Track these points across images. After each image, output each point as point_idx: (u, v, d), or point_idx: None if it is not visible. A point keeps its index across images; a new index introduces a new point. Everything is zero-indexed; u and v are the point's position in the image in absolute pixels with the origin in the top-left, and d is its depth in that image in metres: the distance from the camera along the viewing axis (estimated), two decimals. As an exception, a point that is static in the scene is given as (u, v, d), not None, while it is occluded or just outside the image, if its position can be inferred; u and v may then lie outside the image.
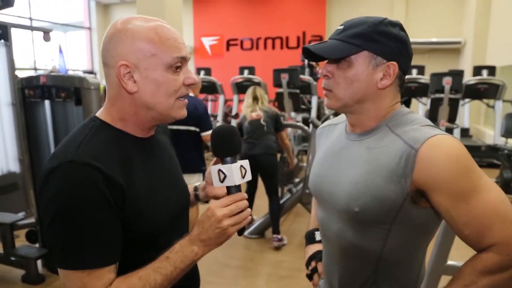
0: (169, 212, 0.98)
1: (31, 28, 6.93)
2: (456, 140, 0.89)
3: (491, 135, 7.39)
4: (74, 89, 2.92)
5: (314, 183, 1.14)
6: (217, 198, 1.09)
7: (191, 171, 3.30)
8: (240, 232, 0.94)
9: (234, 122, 8.19)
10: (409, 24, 10.23)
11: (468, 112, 8.43)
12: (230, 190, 0.93)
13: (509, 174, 5.45)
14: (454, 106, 5.93)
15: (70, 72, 6.91)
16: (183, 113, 0.95)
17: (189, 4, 11.65)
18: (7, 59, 3.98)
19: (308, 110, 7.26)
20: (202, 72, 8.54)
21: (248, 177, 0.95)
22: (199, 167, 3.39)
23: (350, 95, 0.98)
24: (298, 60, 8.83)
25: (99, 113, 0.95)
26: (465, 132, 7.96)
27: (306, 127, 4.84)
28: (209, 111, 8.70)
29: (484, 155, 6.78)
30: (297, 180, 5.11)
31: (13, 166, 4.09)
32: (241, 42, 11.79)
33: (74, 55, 12.36)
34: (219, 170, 0.93)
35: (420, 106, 7.99)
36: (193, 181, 3.36)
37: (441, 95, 5.92)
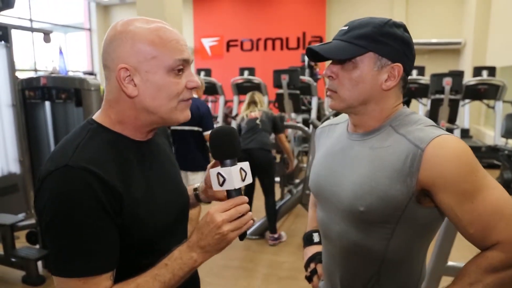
0: (167, 217, 0.96)
1: (32, 30, 6.93)
2: (461, 141, 0.90)
3: (491, 135, 7.39)
4: (74, 90, 2.92)
5: (315, 183, 1.14)
6: (219, 200, 1.09)
7: (194, 169, 3.46)
8: (242, 236, 0.91)
9: (234, 123, 8.20)
10: (409, 25, 10.21)
11: (468, 112, 8.42)
12: (230, 193, 0.91)
13: (509, 174, 5.45)
14: (454, 107, 5.93)
15: (71, 73, 6.92)
16: (187, 114, 0.93)
17: (189, 5, 11.66)
18: (8, 60, 3.98)
19: (308, 111, 7.26)
20: (202, 73, 8.56)
21: (249, 180, 0.92)
22: (203, 166, 3.47)
23: (355, 96, 0.98)
24: (298, 61, 8.83)
25: (96, 116, 0.93)
26: (465, 133, 7.96)
27: (306, 128, 4.85)
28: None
29: (484, 156, 6.77)
30: (297, 181, 5.11)
31: (14, 167, 4.09)
32: (241, 43, 11.80)
33: (74, 56, 12.38)
34: (218, 173, 0.90)
35: (420, 107, 7.99)
36: (197, 179, 3.46)
37: (441, 96, 5.93)
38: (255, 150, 3.83)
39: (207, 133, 3.43)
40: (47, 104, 3.06)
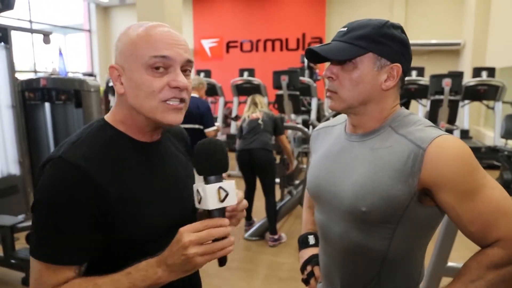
0: (162, 221, 0.91)
1: (31, 31, 6.93)
2: (461, 141, 0.92)
3: (491, 136, 7.39)
4: (74, 92, 2.93)
5: (314, 184, 1.14)
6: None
7: None
8: (221, 262, 0.84)
9: (234, 124, 8.20)
10: (409, 25, 10.24)
11: (468, 113, 8.43)
12: (211, 213, 0.82)
13: (509, 175, 5.45)
14: (454, 108, 5.94)
15: (70, 75, 6.92)
16: (172, 118, 0.89)
17: (189, 6, 11.67)
18: (7, 61, 3.97)
19: (308, 112, 7.26)
20: (202, 74, 8.56)
21: (231, 201, 0.83)
22: None
23: (355, 96, 0.99)
24: (298, 62, 8.84)
25: (107, 115, 0.96)
26: (465, 134, 7.96)
27: (306, 129, 4.85)
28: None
29: (484, 157, 6.78)
30: (297, 182, 5.11)
31: (13, 168, 4.09)
32: (241, 44, 11.81)
33: (74, 57, 12.39)
34: (197, 189, 0.83)
35: (420, 108, 7.99)
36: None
37: (441, 97, 5.93)
38: (256, 150, 3.84)
39: (208, 130, 3.59)
40: (47, 105, 3.06)
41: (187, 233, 0.79)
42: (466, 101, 7.59)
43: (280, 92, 6.23)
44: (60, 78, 3.12)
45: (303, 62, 8.03)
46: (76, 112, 2.98)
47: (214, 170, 0.84)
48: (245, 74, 7.96)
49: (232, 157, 5.09)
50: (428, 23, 10.20)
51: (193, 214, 1.01)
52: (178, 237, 0.79)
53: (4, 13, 3.93)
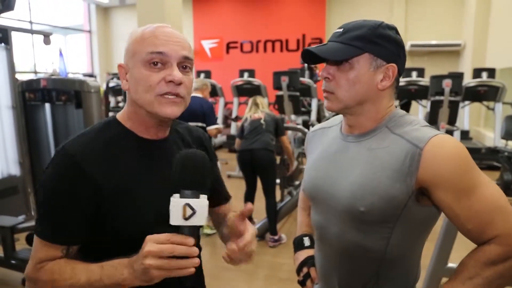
0: (155, 218, 0.89)
1: (31, 32, 6.94)
2: (457, 140, 0.94)
3: (491, 137, 7.39)
4: (74, 92, 2.92)
5: (311, 185, 1.14)
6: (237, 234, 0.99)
7: None
8: (186, 281, 0.81)
9: (234, 125, 8.20)
10: (409, 26, 10.25)
11: (468, 114, 8.43)
12: (181, 229, 0.79)
13: (509, 176, 5.45)
14: (454, 109, 5.93)
15: (70, 75, 6.92)
16: (169, 111, 0.92)
17: (189, 7, 11.68)
18: (8, 62, 3.98)
19: (308, 112, 7.26)
20: (202, 75, 8.56)
21: (197, 221, 0.78)
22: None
23: (351, 96, 1.00)
24: (298, 63, 8.83)
25: (119, 112, 1.02)
26: (465, 135, 7.96)
27: (306, 130, 4.85)
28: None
29: (484, 157, 6.78)
30: (297, 182, 5.11)
31: (13, 169, 4.09)
32: (241, 44, 11.81)
33: (74, 58, 12.39)
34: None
35: (420, 109, 7.99)
36: None
37: (441, 98, 5.93)
38: (257, 150, 3.86)
39: (210, 128, 3.76)
40: (47, 106, 3.06)
41: (151, 242, 0.78)
42: (466, 102, 7.59)
43: (280, 93, 6.23)
44: (60, 78, 3.12)
45: (303, 63, 8.02)
46: (76, 113, 2.97)
47: (189, 184, 0.80)
48: (245, 75, 7.96)
49: (232, 158, 5.10)
50: (428, 24, 10.20)
51: None
52: (144, 243, 0.79)
53: (4, 14, 3.93)
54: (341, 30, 1.01)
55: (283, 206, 4.39)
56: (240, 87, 7.77)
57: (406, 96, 7.43)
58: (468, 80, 7.22)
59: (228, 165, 7.01)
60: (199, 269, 1.10)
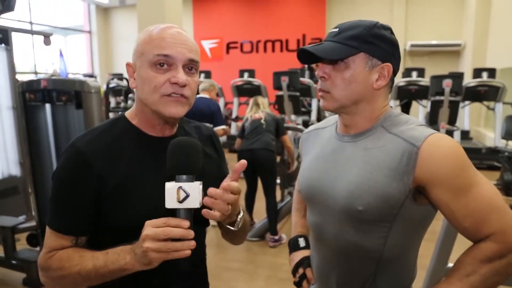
0: (155, 213, 0.89)
1: (32, 32, 6.95)
2: (453, 139, 0.94)
3: (491, 137, 7.39)
4: (74, 93, 2.92)
5: (307, 186, 1.14)
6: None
7: None
8: (181, 264, 0.85)
9: (234, 125, 8.20)
10: (409, 26, 10.25)
11: (468, 114, 8.43)
12: (177, 212, 0.82)
13: (509, 176, 5.45)
14: (454, 109, 5.93)
15: (71, 76, 6.93)
16: (174, 110, 0.95)
17: (189, 7, 11.68)
18: (8, 63, 3.98)
19: (308, 112, 7.27)
20: (202, 75, 8.56)
21: (192, 204, 0.81)
22: None
23: (347, 95, 1.00)
24: (298, 63, 8.83)
25: (128, 110, 1.06)
26: (465, 135, 7.96)
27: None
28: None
29: (485, 158, 6.78)
30: (297, 182, 5.11)
31: (14, 169, 4.09)
32: (241, 45, 11.81)
33: (74, 58, 12.39)
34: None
35: (420, 109, 7.99)
36: None
37: (441, 98, 5.93)
38: (258, 150, 3.87)
39: (217, 128, 3.84)
40: (48, 106, 3.06)
41: (148, 227, 0.82)
42: (467, 102, 7.59)
43: (280, 93, 6.23)
44: (60, 79, 3.12)
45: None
46: (76, 113, 2.97)
47: (182, 169, 0.83)
48: (245, 75, 7.96)
49: (232, 158, 5.10)
50: (428, 24, 10.20)
51: None
52: (143, 228, 0.83)
53: (4, 15, 3.93)
54: (336, 30, 1.02)
55: (284, 206, 4.39)
56: (240, 87, 7.78)
57: (407, 96, 7.43)
58: (469, 80, 7.23)
59: (228, 165, 6.95)
60: (202, 265, 1.14)
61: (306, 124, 6.68)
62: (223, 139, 8.22)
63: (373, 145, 1.00)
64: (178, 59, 0.94)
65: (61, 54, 3.96)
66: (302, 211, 1.35)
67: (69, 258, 0.92)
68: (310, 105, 7.35)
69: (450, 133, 6.64)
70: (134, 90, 1.01)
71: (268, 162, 3.92)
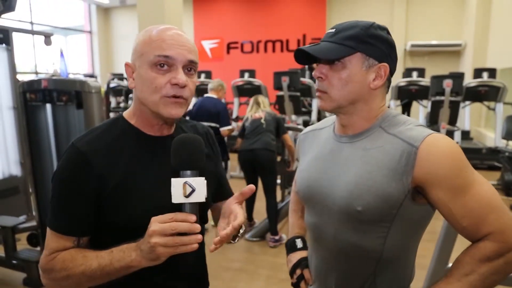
0: (160, 208, 0.91)
1: (32, 32, 6.96)
2: (451, 139, 0.95)
3: (492, 137, 7.38)
4: (75, 93, 2.93)
5: (305, 187, 1.14)
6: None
7: None
8: (189, 258, 0.87)
9: (235, 125, 8.20)
10: (409, 26, 10.24)
11: (469, 114, 8.41)
12: (183, 207, 0.84)
13: (510, 176, 5.45)
14: (454, 109, 5.93)
15: (71, 76, 6.93)
16: (173, 112, 0.96)
17: (189, 7, 11.69)
18: (9, 63, 3.99)
19: (309, 112, 7.26)
20: (203, 75, 8.55)
21: (198, 198, 0.83)
22: (221, 156, 3.95)
23: (344, 95, 1.01)
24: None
25: (126, 110, 1.07)
26: (465, 135, 7.96)
27: (306, 130, 4.86)
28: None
29: (485, 158, 6.77)
30: (298, 183, 5.11)
31: (15, 169, 4.10)
32: (242, 45, 11.81)
33: (75, 58, 12.40)
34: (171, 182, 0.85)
35: (421, 109, 7.99)
36: None
37: (442, 98, 5.92)
38: (258, 150, 3.88)
39: (223, 129, 3.97)
40: (48, 106, 3.06)
41: (155, 222, 0.83)
42: (467, 102, 7.58)
43: (280, 93, 6.23)
44: (61, 79, 3.12)
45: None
46: (77, 113, 2.97)
47: (185, 164, 0.86)
48: (246, 75, 7.96)
49: (233, 158, 5.09)
50: (428, 24, 10.20)
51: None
52: (149, 225, 0.84)
53: (5, 15, 3.94)
54: (333, 30, 1.02)
55: (284, 206, 4.39)
56: (240, 87, 7.77)
57: (407, 96, 7.42)
58: (469, 80, 7.22)
59: (229, 165, 6.99)
60: (202, 263, 1.16)
61: (306, 124, 6.68)
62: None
63: (371, 145, 1.01)
64: (178, 60, 0.95)
65: (61, 54, 3.96)
66: (300, 212, 1.35)
67: (73, 259, 0.93)
68: (310, 105, 7.34)
69: (450, 133, 6.64)
70: (133, 90, 1.01)
71: (268, 162, 3.92)
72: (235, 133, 4.71)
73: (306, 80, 7.03)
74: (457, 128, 6.51)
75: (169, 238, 0.81)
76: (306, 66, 7.65)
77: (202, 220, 1.09)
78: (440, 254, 1.77)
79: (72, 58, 12.12)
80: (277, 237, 3.96)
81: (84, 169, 0.93)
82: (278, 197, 4.41)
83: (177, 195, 0.83)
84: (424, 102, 7.60)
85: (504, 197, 5.41)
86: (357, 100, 1.02)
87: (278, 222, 4.15)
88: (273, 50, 11.57)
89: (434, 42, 9.99)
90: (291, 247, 1.30)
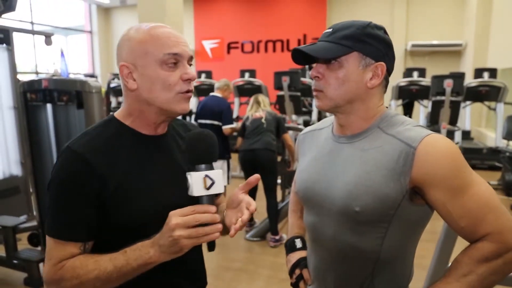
0: (161, 207, 0.95)
1: (33, 32, 6.96)
2: (449, 139, 0.95)
3: (492, 137, 7.37)
4: (76, 93, 2.93)
5: (304, 188, 1.15)
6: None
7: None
8: (210, 247, 0.90)
9: (234, 124, 8.19)
10: (410, 26, 10.23)
11: (470, 114, 8.40)
12: (200, 199, 0.88)
13: (510, 176, 5.44)
14: (455, 109, 5.92)
15: (72, 76, 6.93)
16: (184, 107, 0.99)
17: (190, 7, 11.68)
18: (9, 63, 3.99)
19: (309, 112, 7.26)
20: (203, 75, 8.56)
21: (217, 189, 0.88)
22: (223, 154, 4.06)
23: (341, 95, 1.01)
24: (299, 63, 8.82)
25: (117, 111, 1.06)
26: (466, 135, 7.95)
27: (307, 130, 4.85)
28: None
29: (486, 158, 6.77)
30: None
31: (15, 169, 4.10)
32: (242, 45, 11.81)
33: (75, 58, 12.40)
34: (187, 177, 0.89)
35: (421, 109, 7.98)
36: (217, 166, 3.73)
37: (442, 98, 5.92)
38: (259, 151, 3.88)
39: (225, 127, 4.02)
40: (49, 106, 3.06)
41: (175, 216, 0.85)
42: (468, 102, 7.57)
43: (281, 93, 6.23)
44: (61, 79, 3.12)
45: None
46: (78, 113, 2.98)
47: (202, 159, 0.89)
48: (246, 75, 7.96)
49: (233, 157, 5.09)
50: (429, 24, 10.19)
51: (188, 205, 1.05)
52: (167, 219, 0.86)
53: (6, 15, 3.94)
54: (330, 30, 1.03)
55: (284, 206, 4.39)
56: (241, 87, 7.78)
57: (408, 96, 7.42)
58: (470, 80, 7.21)
59: (230, 164, 6.97)
60: (201, 260, 1.17)
61: (307, 124, 6.68)
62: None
63: (370, 146, 1.01)
64: (184, 56, 0.98)
65: (62, 54, 3.95)
66: (299, 212, 1.36)
67: (83, 265, 0.91)
68: (311, 105, 7.34)
69: (451, 133, 6.63)
70: (133, 91, 0.99)
71: (268, 162, 3.92)
72: (235, 133, 4.71)
73: (306, 80, 7.03)
74: (457, 128, 6.51)
75: (193, 230, 0.84)
76: (307, 66, 7.65)
77: None
78: (441, 254, 1.77)
79: (72, 58, 12.13)
80: (277, 237, 3.96)
81: (85, 170, 0.92)
82: (279, 197, 4.41)
83: (198, 188, 0.86)
84: (425, 102, 7.60)
85: (505, 197, 5.40)
86: (354, 100, 1.02)
87: (279, 222, 4.15)
88: (274, 50, 11.57)
89: (434, 42, 9.99)
90: (290, 247, 1.30)
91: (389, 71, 1.03)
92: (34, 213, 3.81)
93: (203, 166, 0.88)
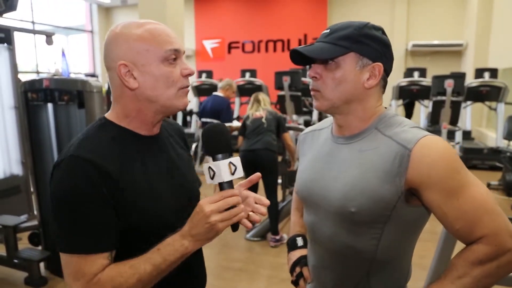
0: (168, 206, 0.99)
1: (34, 32, 6.95)
2: (445, 141, 0.95)
3: (493, 137, 7.37)
4: (77, 92, 2.93)
5: (304, 187, 1.15)
6: None
7: None
8: (234, 228, 0.95)
9: (235, 124, 8.20)
10: (411, 26, 10.23)
11: (470, 114, 8.40)
12: (222, 186, 0.94)
13: (511, 176, 5.44)
14: (456, 109, 5.92)
15: (73, 75, 6.94)
16: (185, 102, 1.01)
17: (190, 7, 11.69)
18: (10, 62, 3.99)
19: (310, 112, 7.26)
20: (204, 75, 8.56)
21: (239, 174, 0.95)
22: None
23: (338, 95, 1.01)
24: (299, 63, 8.82)
25: (107, 113, 1.03)
26: (467, 135, 7.94)
27: (307, 130, 4.85)
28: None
29: (486, 158, 6.76)
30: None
31: (16, 169, 4.10)
32: (243, 44, 11.81)
33: (76, 58, 12.41)
34: (209, 167, 0.94)
35: (422, 109, 7.98)
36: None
37: (443, 98, 5.92)
38: (259, 151, 3.88)
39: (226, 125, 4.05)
40: (50, 106, 3.07)
41: (207, 204, 0.89)
42: (469, 102, 7.57)
43: (282, 92, 6.23)
44: (62, 79, 3.13)
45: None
46: (79, 113, 2.98)
47: (220, 149, 0.94)
48: (247, 75, 7.97)
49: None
50: (430, 24, 10.19)
51: (193, 199, 1.08)
52: (198, 209, 0.90)
53: (7, 14, 3.94)
54: (328, 31, 1.03)
55: (285, 206, 4.39)
56: (241, 87, 7.78)
57: (408, 96, 7.42)
58: (470, 80, 7.21)
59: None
60: (201, 258, 1.18)
61: (307, 124, 6.68)
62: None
63: (367, 147, 1.01)
64: (181, 52, 0.99)
65: (63, 54, 3.96)
66: (301, 210, 1.36)
67: (121, 273, 0.88)
68: (311, 105, 7.33)
69: (451, 133, 6.63)
70: (132, 90, 0.96)
71: (269, 162, 3.92)
72: (235, 133, 4.71)
73: (307, 80, 7.03)
74: (458, 128, 6.51)
75: (226, 213, 0.90)
76: (307, 66, 7.64)
77: None
78: (441, 254, 1.77)
79: (73, 57, 12.14)
80: (278, 237, 3.96)
81: (96, 173, 0.88)
82: (279, 197, 4.41)
83: (225, 174, 0.92)
84: (426, 102, 7.60)
85: (505, 197, 5.40)
86: (351, 100, 1.02)
87: (279, 222, 4.14)
88: (274, 50, 11.58)
89: (435, 42, 9.99)
90: (291, 245, 1.31)
91: (387, 71, 1.03)
92: (35, 212, 3.81)
93: (220, 155, 0.94)
